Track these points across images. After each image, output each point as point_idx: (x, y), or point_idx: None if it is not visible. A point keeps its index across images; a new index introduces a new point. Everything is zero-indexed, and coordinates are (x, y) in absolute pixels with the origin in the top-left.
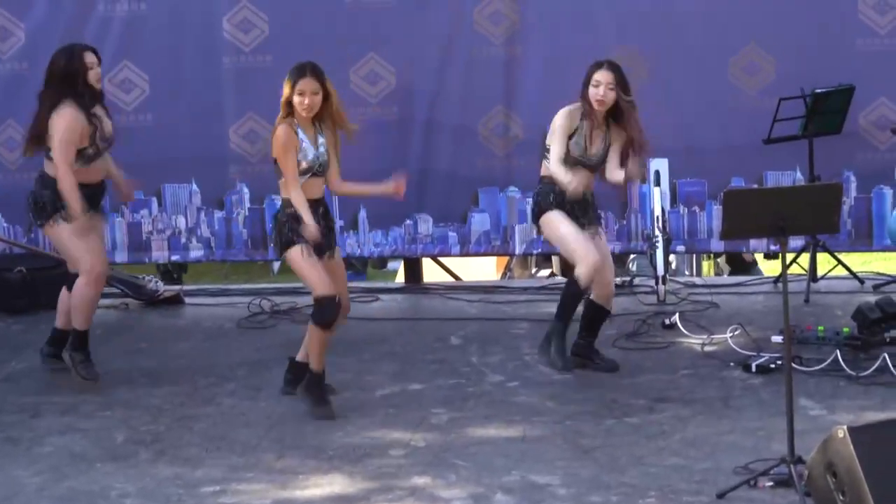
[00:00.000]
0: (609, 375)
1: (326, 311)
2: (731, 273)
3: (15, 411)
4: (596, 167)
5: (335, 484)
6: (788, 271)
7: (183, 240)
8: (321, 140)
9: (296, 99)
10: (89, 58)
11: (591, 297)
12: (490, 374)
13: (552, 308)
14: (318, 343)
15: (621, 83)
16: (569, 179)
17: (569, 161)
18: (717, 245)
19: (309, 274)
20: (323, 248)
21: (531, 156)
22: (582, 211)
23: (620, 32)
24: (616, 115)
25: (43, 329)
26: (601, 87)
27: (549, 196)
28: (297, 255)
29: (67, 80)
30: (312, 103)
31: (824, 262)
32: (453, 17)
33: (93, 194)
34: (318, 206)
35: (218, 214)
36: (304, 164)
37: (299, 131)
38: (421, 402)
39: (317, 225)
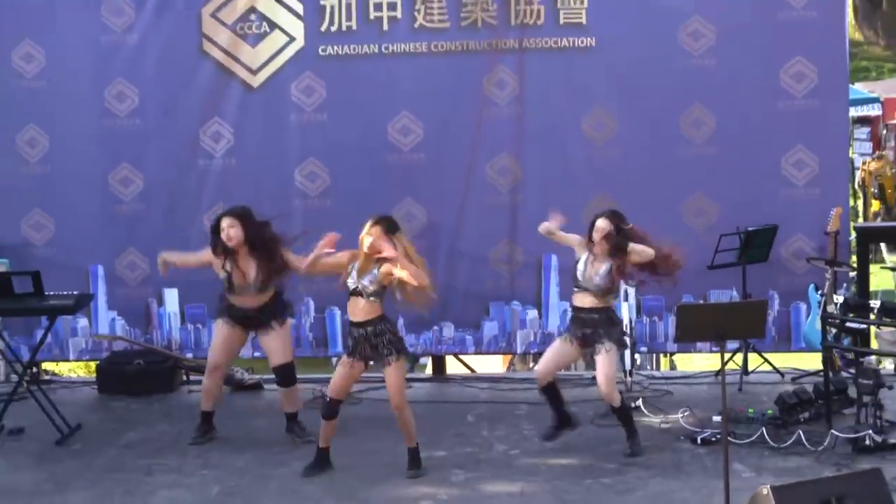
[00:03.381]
0: (589, 446)
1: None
2: None
3: (132, 470)
4: (598, 292)
5: None
6: (726, 367)
7: None
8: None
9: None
10: (223, 222)
11: None
12: (497, 444)
13: None
14: None
15: (617, 226)
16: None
17: (576, 282)
18: (672, 347)
19: None
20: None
21: (530, 277)
22: (592, 328)
23: (597, 183)
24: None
25: (155, 409)
26: (599, 231)
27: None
28: None
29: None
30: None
31: (754, 359)
32: (470, 171)
33: (241, 316)
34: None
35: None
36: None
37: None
38: (444, 465)
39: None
